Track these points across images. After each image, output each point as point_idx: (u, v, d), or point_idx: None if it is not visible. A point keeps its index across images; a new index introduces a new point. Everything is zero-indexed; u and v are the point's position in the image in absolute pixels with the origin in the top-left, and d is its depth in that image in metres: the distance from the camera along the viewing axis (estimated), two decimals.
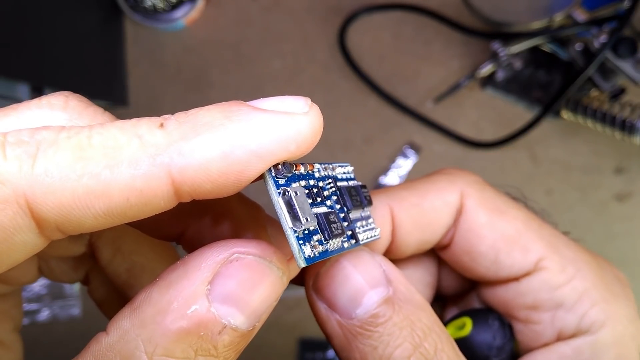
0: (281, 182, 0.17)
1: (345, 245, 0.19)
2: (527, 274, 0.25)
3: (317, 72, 0.62)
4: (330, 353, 0.61)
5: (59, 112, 0.17)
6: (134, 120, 0.16)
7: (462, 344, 0.25)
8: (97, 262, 0.24)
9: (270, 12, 0.62)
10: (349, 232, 0.20)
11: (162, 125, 0.16)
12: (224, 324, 0.16)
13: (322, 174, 0.20)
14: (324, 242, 0.18)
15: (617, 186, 0.62)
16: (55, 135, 0.15)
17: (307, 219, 0.17)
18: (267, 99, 0.17)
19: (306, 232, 0.17)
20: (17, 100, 0.43)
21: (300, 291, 0.62)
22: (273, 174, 0.17)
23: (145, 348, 0.16)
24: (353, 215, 0.21)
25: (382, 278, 0.21)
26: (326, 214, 0.18)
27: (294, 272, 0.20)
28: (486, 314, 0.26)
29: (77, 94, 0.18)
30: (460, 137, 0.61)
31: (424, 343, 0.21)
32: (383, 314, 0.20)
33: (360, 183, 0.22)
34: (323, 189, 0.20)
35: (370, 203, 0.22)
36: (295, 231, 0.17)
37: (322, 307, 0.22)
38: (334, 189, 0.20)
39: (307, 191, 0.18)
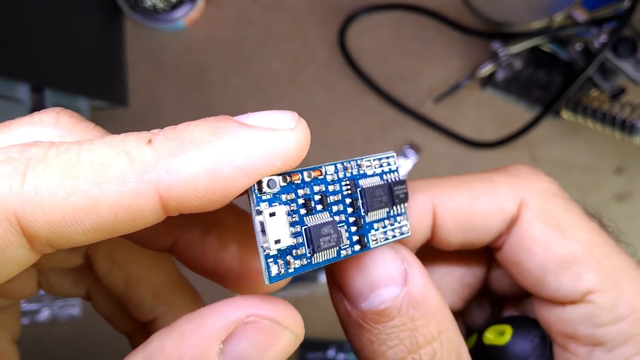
0: (264, 198, 0.17)
1: (343, 253, 0.19)
2: (572, 302, 0.23)
3: (317, 72, 0.62)
4: (331, 353, 0.61)
5: (50, 128, 0.18)
6: (122, 135, 0.16)
7: (497, 352, 0.24)
8: (95, 274, 0.24)
9: (271, 12, 0.62)
10: (356, 238, 0.20)
11: (150, 141, 0.16)
12: None
13: (340, 175, 0.20)
14: (308, 256, 0.18)
15: (617, 186, 0.62)
16: (44, 152, 0.15)
17: (276, 241, 0.17)
18: (254, 114, 0.17)
19: (283, 248, 0.18)
20: (17, 100, 0.43)
21: (300, 291, 0.62)
22: (256, 191, 0.17)
23: None
24: (372, 217, 0.20)
25: (399, 277, 0.21)
26: (317, 227, 0.18)
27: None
28: (530, 327, 0.25)
29: (68, 110, 0.18)
30: (460, 137, 0.61)
31: (420, 350, 0.21)
32: (387, 314, 0.21)
33: (395, 178, 0.21)
34: (333, 193, 0.19)
35: (402, 201, 0.21)
36: (265, 249, 0.17)
37: (335, 290, 0.22)
38: (349, 191, 0.20)
39: (303, 201, 0.18)
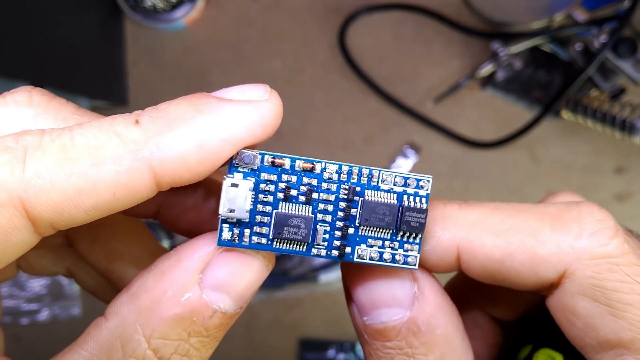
0: (240, 169, 0.18)
1: (314, 252, 0.19)
2: None
3: (317, 72, 0.62)
4: (331, 353, 0.61)
5: (25, 108, 0.18)
6: (108, 118, 0.17)
7: None
8: (77, 253, 0.25)
9: (271, 12, 0.62)
10: (337, 244, 0.19)
11: (137, 121, 0.17)
12: (215, 309, 0.18)
13: (342, 177, 0.19)
14: (270, 238, 0.19)
15: (617, 186, 0.62)
16: (39, 139, 0.16)
17: (230, 210, 0.18)
18: (229, 89, 0.18)
19: (244, 221, 0.19)
20: None
21: (300, 291, 0.62)
22: (233, 161, 0.18)
23: (143, 332, 0.17)
24: (367, 231, 0.20)
25: (404, 300, 0.20)
26: (284, 215, 0.19)
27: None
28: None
29: (39, 88, 0.19)
30: (460, 137, 0.61)
31: None
32: (385, 334, 0.20)
33: (414, 204, 0.20)
34: (326, 191, 0.19)
35: (413, 229, 0.19)
36: (220, 214, 0.18)
37: (346, 293, 0.22)
38: (346, 196, 0.19)
39: (284, 186, 0.19)
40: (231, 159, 0.18)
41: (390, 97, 0.61)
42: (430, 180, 0.20)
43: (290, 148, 0.61)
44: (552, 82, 0.61)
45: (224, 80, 0.62)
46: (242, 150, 0.18)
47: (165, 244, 0.59)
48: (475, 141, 0.61)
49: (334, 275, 0.61)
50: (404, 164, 0.62)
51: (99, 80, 0.57)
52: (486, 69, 0.59)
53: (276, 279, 0.61)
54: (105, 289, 0.27)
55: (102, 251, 0.25)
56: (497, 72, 0.60)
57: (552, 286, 0.20)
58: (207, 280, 0.18)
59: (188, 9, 0.59)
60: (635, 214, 0.62)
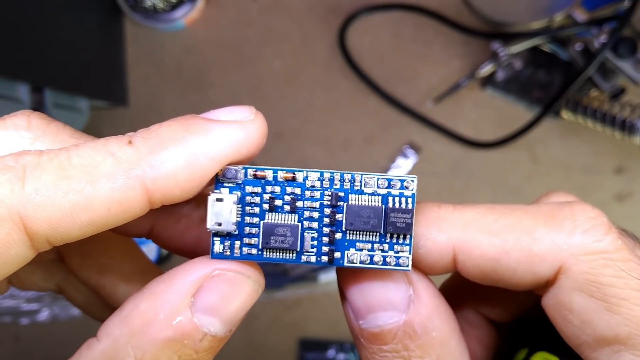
0: (226, 185, 0.19)
1: (304, 259, 0.20)
2: None
3: (317, 72, 0.62)
4: (331, 353, 0.61)
5: (23, 131, 0.19)
6: (102, 140, 0.18)
7: None
8: (67, 268, 0.26)
9: (270, 12, 0.62)
10: (325, 249, 0.20)
11: (130, 142, 0.18)
12: (205, 332, 0.18)
13: (324, 184, 0.20)
14: (260, 248, 0.20)
15: (617, 186, 0.62)
16: (37, 159, 0.17)
17: (218, 224, 0.19)
18: (217, 111, 0.19)
19: (234, 233, 0.20)
20: (17, 100, 0.43)
21: (300, 291, 0.62)
22: (218, 178, 0.19)
23: (134, 354, 0.18)
24: (355, 235, 0.20)
25: (400, 303, 0.20)
26: (270, 225, 0.19)
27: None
28: None
29: (38, 112, 0.20)
30: (460, 137, 0.61)
31: None
32: (381, 338, 0.20)
33: (399, 204, 0.20)
34: (310, 199, 0.20)
35: (399, 230, 0.20)
36: (209, 229, 0.19)
37: (342, 297, 0.23)
38: (330, 202, 0.20)
39: (268, 197, 0.19)
40: (216, 175, 0.19)
41: (390, 97, 0.61)
42: (415, 180, 0.20)
43: (290, 148, 0.61)
44: (552, 82, 0.61)
45: (224, 80, 0.62)
46: (227, 166, 0.19)
47: None
48: (475, 141, 0.61)
49: (333, 276, 0.61)
50: (404, 164, 0.62)
51: (99, 80, 0.57)
52: (486, 69, 0.59)
53: (276, 279, 0.61)
54: (95, 306, 0.27)
55: (93, 267, 0.25)
56: (497, 72, 0.60)
57: (548, 284, 0.20)
58: (198, 303, 0.18)
59: (188, 9, 0.59)
60: (635, 214, 0.62)
